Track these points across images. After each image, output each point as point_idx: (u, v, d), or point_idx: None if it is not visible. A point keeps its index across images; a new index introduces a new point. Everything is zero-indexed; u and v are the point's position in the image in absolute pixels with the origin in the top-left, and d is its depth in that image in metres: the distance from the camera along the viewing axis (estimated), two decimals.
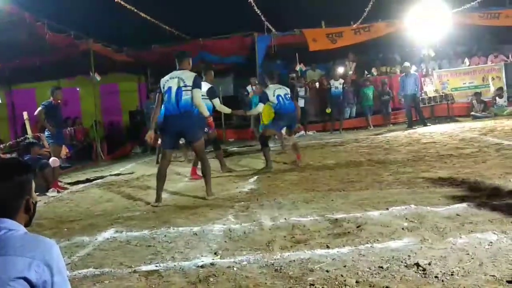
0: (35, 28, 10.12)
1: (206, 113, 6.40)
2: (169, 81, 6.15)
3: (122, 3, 10.53)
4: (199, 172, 7.49)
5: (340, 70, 16.38)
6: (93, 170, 11.02)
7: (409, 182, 5.95)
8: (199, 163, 7.53)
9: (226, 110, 8.16)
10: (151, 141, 6.54)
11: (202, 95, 7.58)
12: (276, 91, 8.07)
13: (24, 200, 1.79)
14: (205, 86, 7.75)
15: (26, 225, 1.80)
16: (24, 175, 1.80)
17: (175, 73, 6.22)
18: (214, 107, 7.67)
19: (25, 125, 10.75)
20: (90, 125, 14.98)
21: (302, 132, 14.89)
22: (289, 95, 8.27)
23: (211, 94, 7.57)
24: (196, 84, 6.11)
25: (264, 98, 8.12)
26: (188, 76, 6.12)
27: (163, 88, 6.18)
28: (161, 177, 6.26)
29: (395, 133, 12.53)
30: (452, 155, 7.82)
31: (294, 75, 16.69)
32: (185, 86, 6.06)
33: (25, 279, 1.57)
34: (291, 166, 8.38)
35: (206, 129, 7.72)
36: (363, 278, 3.07)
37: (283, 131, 9.82)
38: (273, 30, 15.00)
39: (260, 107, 8.24)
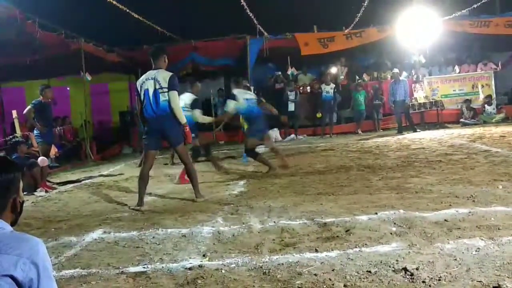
0: (26, 26, 10.03)
1: (183, 119, 6.08)
2: (146, 83, 5.98)
3: (114, 2, 10.48)
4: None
5: (333, 70, 16.44)
6: (82, 170, 10.95)
7: (398, 187, 5.98)
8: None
9: (207, 119, 8.85)
10: None
11: (185, 107, 7.78)
12: (245, 95, 8.09)
13: (11, 199, 1.77)
14: (190, 97, 8.14)
15: (12, 224, 1.77)
16: (11, 174, 1.78)
17: (150, 73, 6.02)
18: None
19: (14, 123, 10.66)
20: (79, 125, 14.89)
21: (293, 136, 14.93)
22: (255, 100, 8.21)
23: (193, 105, 8.06)
24: (172, 86, 5.90)
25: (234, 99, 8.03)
26: (164, 77, 5.92)
27: (140, 89, 6.02)
28: (143, 180, 6.13)
29: (385, 139, 12.59)
30: (441, 161, 7.87)
31: (279, 73, 16.71)
32: (161, 88, 5.89)
33: (11, 277, 1.56)
34: (280, 170, 8.36)
35: (193, 135, 7.79)
36: (351, 282, 3.08)
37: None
38: (265, 33, 15.03)
39: (232, 104, 8.02)
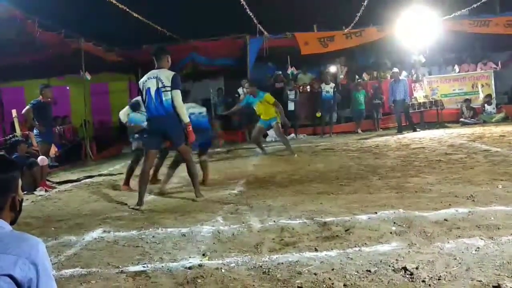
0: (26, 25, 10.02)
1: (186, 118, 6.04)
2: (147, 82, 5.96)
3: (114, 2, 10.47)
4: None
5: (332, 69, 16.44)
6: (81, 170, 10.93)
7: (398, 187, 5.98)
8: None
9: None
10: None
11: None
12: (189, 110, 7.20)
13: (10, 198, 1.76)
14: None
15: (12, 223, 1.77)
16: (10, 172, 1.77)
17: (152, 72, 6.01)
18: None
19: (14, 123, 10.67)
20: (79, 124, 14.88)
21: (292, 135, 14.93)
22: (204, 114, 7.64)
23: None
24: (175, 85, 5.88)
25: None
26: (166, 76, 5.90)
27: (142, 89, 6.01)
28: (144, 179, 6.11)
29: (385, 138, 12.58)
30: (440, 161, 7.87)
31: (279, 72, 16.70)
32: (164, 87, 5.86)
33: (10, 276, 1.55)
34: (280, 169, 8.38)
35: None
36: (351, 282, 3.08)
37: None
38: (265, 32, 15.01)
39: None
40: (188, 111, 7.40)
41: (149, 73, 6.08)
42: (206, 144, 7.73)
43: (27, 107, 8.81)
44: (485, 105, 14.91)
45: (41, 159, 8.25)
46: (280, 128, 10.77)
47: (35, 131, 9.01)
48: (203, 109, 7.86)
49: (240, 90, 15.19)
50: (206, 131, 7.66)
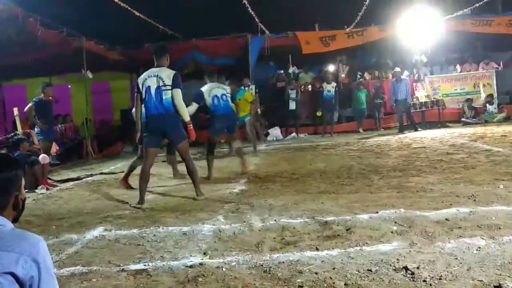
0: (27, 24, 10.02)
1: (187, 117, 6.02)
2: (147, 80, 5.92)
3: (116, 0, 10.47)
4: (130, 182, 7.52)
5: (331, 68, 16.42)
6: (83, 168, 10.94)
7: (399, 186, 5.98)
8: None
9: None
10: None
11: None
12: (213, 91, 7.67)
13: (13, 196, 1.76)
14: None
15: (14, 221, 1.77)
16: (13, 171, 1.77)
17: (152, 70, 5.98)
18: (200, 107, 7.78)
19: (15, 121, 10.67)
20: (81, 123, 14.89)
21: (294, 134, 14.93)
22: (228, 95, 7.76)
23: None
24: (176, 84, 5.85)
25: (199, 98, 7.71)
26: (167, 75, 5.87)
27: (142, 87, 5.96)
28: (144, 178, 6.10)
29: (386, 138, 12.58)
30: (442, 161, 7.87)
31: (281, 71, 16.69)
32: (165, 85, 5.84)
33: (12, 274, 1.56)
34: (281, 168, 8.38)
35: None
36: (351, 281, 3.08)
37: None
38: (267, 32, 15.01)
39: (194, 107, 7.69)
40: (211, 92, 7.63)
41: (148, 71, 6.05)
42: (232, 127, 7.95)
43: (29, 105, 8.83)
44: (487, 105, 14.92)
45: (43, 157, 8.26)
46: (253, 125, 11.01)
47: (36, 129, 9.03)
48: (227, 88, 7.88)
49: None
50: (231, 113, 7.88)
